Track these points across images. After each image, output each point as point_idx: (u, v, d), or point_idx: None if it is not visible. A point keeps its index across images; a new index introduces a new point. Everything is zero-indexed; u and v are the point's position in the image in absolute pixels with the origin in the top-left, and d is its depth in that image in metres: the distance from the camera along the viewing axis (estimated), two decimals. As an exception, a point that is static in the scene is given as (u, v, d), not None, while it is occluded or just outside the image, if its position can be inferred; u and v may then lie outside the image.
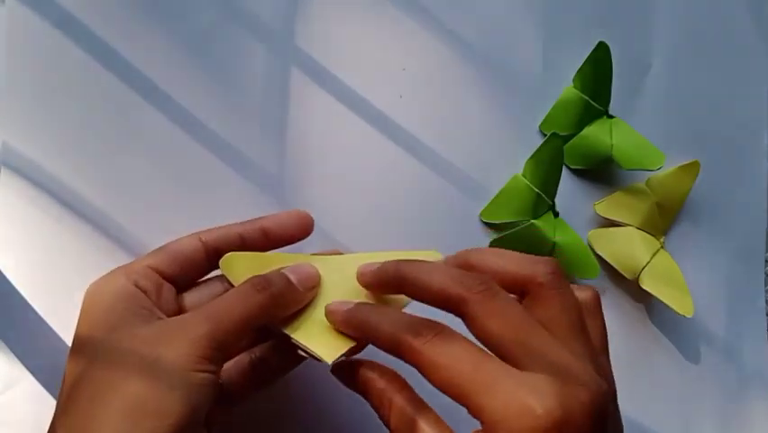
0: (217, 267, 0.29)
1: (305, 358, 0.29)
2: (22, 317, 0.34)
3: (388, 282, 0.27)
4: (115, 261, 0.35)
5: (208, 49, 0.37)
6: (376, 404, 0.26)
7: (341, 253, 0.31)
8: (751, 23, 0.43)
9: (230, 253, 0.28)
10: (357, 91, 0.38)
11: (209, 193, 0.36)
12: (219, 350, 0.25)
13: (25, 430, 0.33)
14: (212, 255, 0.29)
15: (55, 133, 0.35)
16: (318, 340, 0.27)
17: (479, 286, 0.23)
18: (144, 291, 0.27)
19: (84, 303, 0.27)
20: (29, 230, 0.35)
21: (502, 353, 0.22)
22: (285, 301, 0.27)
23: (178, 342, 0.24)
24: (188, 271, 0.29)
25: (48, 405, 0.34)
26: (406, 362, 0.24)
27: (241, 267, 0.28)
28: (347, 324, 0.27)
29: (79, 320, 0.27)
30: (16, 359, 0.34)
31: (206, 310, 0.26)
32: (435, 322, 0.24)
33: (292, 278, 0.27)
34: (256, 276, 0.27)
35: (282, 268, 0.28)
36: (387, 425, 0.25)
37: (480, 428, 0.21)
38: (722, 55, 0.43)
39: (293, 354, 0.29)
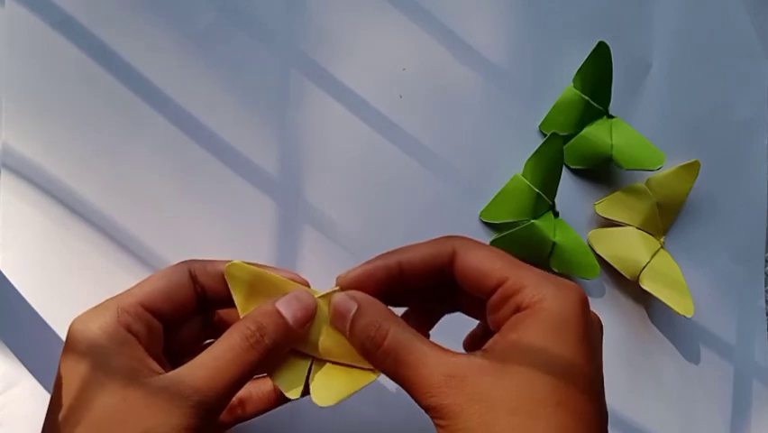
0: (205, 306, 0.29)
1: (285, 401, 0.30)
2: (22, 317, 0.34)
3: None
4: (115, 260, 0.35)
5: (208, 49, 0.37)
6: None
7: (307, 282, 0.29)
8: (750, 23, 0.43)
9: (235, 262, 0.27)
10: (357, 91, 0.38)
11: (208, 193, 0.36)
12: (209, 416, 0.24)
13: (25, 430, 0.33)
14: (200, 295, 0.28)
15: (55, 134, 0.35)
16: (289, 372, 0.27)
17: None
18: (136, 336, 0.26)
19: (69, 338, 0.26)
20: (29, 230, 0.35)
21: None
22: (278, 350, 0.26)
23: (168, 413, 0.23)
24: (179, 309, 0.28)
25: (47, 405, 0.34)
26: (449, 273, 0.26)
27: (242, 279, 0.27)
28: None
29: (64, 355, 0.25)
30: (16, 359, 0.34)
31: (197, 375, 0.24)
32: None
33: (287, 315, 0.26)
34: (248, 322, 0.26)
35: (277, 298, 0.27)
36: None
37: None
38: (722, 55, 0.43)
39: (273, 397, 0.30)
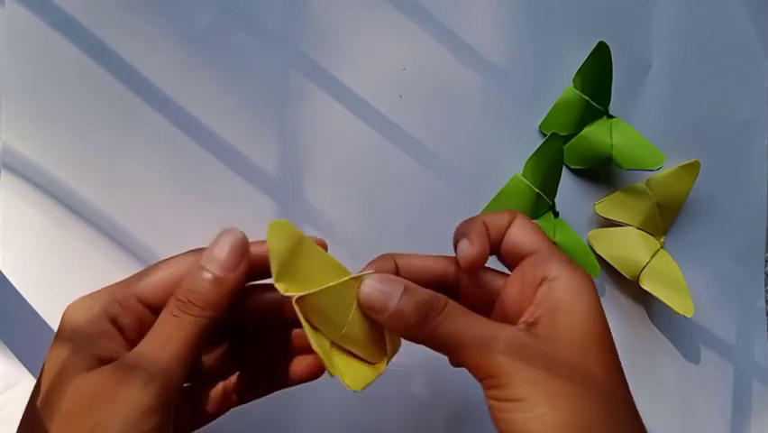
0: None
1: (277, 388, 0.29)
2: (22, 317, 0.34)
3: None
4: (114, 260, 0.35)
5: (208, 49, 0.37)
6: None
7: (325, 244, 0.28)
8: (750, 23, 0.43)
9: (279, 221, 0.26)
10: (357, 91, 0.38)
11: (208, 193, 0.36)
12: (168, 393, 0.23)
13: (25, 430, 0.33)
14: None
15: (55, 134, 0.35)
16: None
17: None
18: (122, 329, 0.25)
19: (61, 321, 0.25)
20: (29, 230, 0.35)
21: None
22: (222, 305, 0.25)
23: (118, 404, 0.23)
24: None
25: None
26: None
27: (282, 239, 0.26)
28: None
29: (53, 340, 0.25)
30: (16, 359, 0.34)
31: (143, 356, 0.24)
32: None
33: (213, 268, 0.25)
34: (179, 292, 0.25)
35: (200, 256, 0.25)
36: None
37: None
38: (722, 55, 0.43)
39: (266, 382, 0.29)
